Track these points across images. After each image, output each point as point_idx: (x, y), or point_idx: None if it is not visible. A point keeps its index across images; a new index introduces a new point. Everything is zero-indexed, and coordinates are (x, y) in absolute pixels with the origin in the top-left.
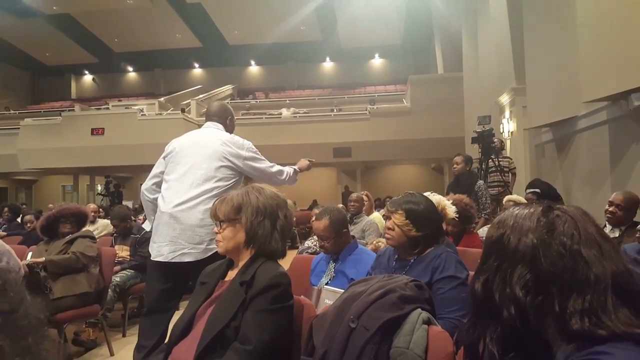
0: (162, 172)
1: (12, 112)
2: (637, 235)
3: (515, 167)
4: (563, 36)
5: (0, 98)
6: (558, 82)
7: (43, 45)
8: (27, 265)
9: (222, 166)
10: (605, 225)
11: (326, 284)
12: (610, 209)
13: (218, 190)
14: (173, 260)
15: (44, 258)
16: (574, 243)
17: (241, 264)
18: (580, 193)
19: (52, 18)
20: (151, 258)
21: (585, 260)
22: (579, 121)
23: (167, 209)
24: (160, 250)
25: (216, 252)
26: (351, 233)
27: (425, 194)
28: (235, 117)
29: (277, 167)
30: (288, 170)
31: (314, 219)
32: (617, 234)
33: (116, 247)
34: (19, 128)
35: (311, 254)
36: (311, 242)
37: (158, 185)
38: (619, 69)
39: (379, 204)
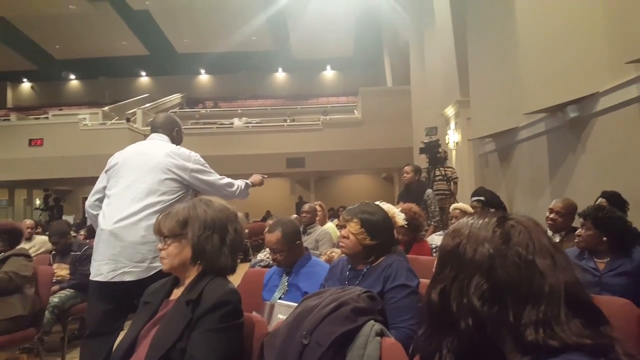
0: (105, 187)
1: None
2: (576, 240)
3: (457, 177)
4: (505, 51)
5: None
6: (500, 94)
7: None
8: None
9: (166, 179)
10: (546, 232)
11: (279, 298)
12: (551, 215)
13: (162, 205)
14: (113, 280)
15: None
16: (529, 253)
17: (187, 281)
18: (522, 200)
19: None
20: (90, 277)
21: (540, 271)
22: (520, 132)
23: (107, 225)
24: (99, 269)
25: (161, 270)
26: (305, 243)
27: (375, 203)
28: (184, 127)
29: (226, 180)
30: (239, 183)
31: (266, 230)
32: (557, 240)
33: (55, 265)
34: None
35: (264, 267)
36: (264, 255)
37: (101, 200)
38: (555, 83)
39: (333, 214)
